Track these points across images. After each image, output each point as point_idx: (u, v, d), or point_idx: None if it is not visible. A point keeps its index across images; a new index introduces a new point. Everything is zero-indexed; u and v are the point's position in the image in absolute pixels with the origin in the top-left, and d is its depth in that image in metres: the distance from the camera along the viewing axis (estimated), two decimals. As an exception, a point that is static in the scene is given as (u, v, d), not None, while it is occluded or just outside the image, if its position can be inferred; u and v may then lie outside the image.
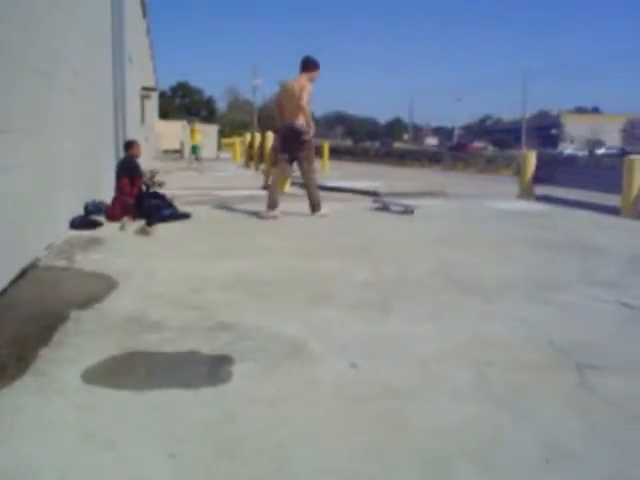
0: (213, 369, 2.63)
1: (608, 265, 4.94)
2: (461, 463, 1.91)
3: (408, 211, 8.16)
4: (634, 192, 8.71)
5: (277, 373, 2.59)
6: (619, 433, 2.14)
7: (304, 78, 7.69)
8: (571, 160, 32.58)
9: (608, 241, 6.15)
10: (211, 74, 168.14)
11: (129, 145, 7.91)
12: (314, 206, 7.77)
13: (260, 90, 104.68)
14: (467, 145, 63.31)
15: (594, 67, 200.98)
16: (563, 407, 2.33)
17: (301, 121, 7.63)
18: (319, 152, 21.07)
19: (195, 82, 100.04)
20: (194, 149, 24.90)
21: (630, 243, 6.15)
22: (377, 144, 65.78)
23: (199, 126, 26.32)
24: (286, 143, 7.86)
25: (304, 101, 7.50)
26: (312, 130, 7.67)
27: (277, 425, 2.13)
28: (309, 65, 7.80)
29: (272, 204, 7.62)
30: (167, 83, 76.86)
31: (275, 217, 7.51)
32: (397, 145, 66.86)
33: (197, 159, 24.24)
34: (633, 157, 9.36)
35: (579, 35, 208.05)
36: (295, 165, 8.04)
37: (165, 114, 52.87)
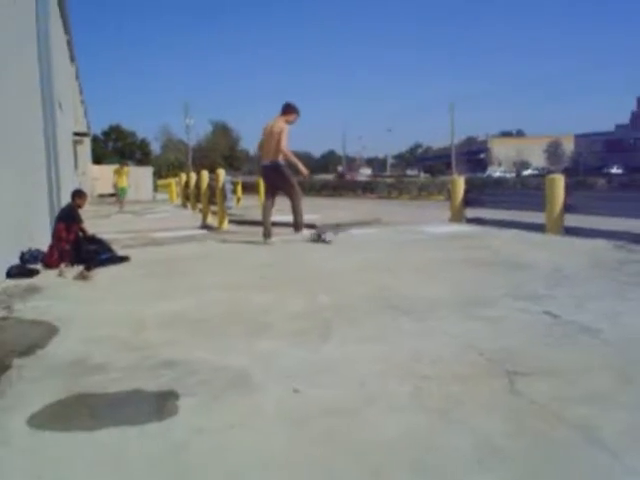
0: (159, 405, 2.69)
1: (533, 279, 5.20)
2: (399, 471, 2.04)
3: (327, 239, 8.57)
4: (557, 209, 9.14)
5: (222, 403, 2.68)
6: (545, 432, 2.31)
7: (282, 120, 8.56)
8: (500, 182, 33.74)
9: (533, 257, 6.47)
10: (144, 116, 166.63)
11: (76, 194, 7.87)
12: (296, 226, 8.68)
13: (194, 129, 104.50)
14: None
15: (517, 91, 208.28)
16: (493, 412, 2.50)
17: (280, 158, 8.52)
18: (255, 189, 21.28)
19: (128, 125, 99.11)
20: (121, 192, 23.76)
21: (552, 258, 6.46)
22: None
23: (126, 168, 25.42)
24: (268, 180, 8.89)
25: (283, 143, 8.37)
26: (303, 167, 8.88)
27: (225, 452, 2.22)
28: (287, 109, 8.70)
29: (267, 233, 8.65)
30: (99, 127, 76.25)
31: (272, 244, 8.51)
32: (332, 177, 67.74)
33: (120, 202, 23.02)
34: (553, 176, 9.84)
35: (501, 61, 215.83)
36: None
37: (99, 158, 52.26)
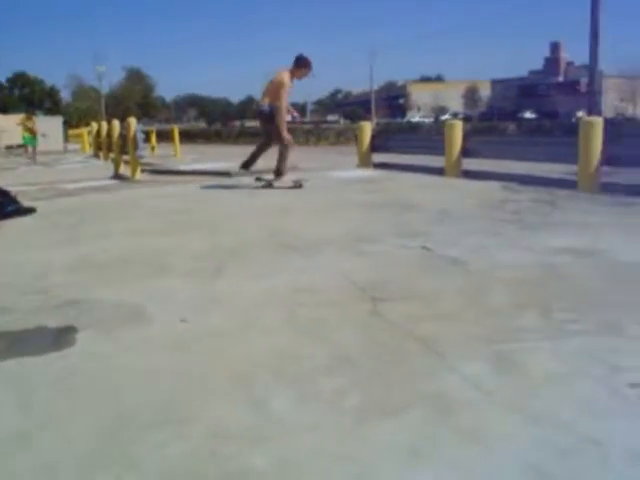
0: (60, 338, 2.97)
1: (419, 219, 5.68)
2: (262, 375, 2.43)
3: (297, 185, 8.47)
4: (455, 153, 9.67)
5: (115, 334, 2.97)
6: (394, 344, 2.73)
7: (287, 74, 8.59)
8: (416, 128, 34.42)
9: (425, 199, 6.96)
10: (52, 63, 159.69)
11: None
12: (275, 172, 8.72)
13: (106, 76, 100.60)
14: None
15: (437, 38, 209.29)
16: (354, 330, 2.90)
17: (266, 103, 8.61)
18: (170, 137, 21.07)
19: (35, 72, 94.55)
20: (29, 141, 23.03)
21: (443, 199, 6.98)
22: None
23: (33, 118, 24.35)
24: (261, 123, 9.20)
25: (282, 101, 8.50)
26: (295, 113, 9.62)
27: (111, 372, 2.54)
28: (299, 62, 8.73)
29: (244, 163, 9.21)
30: (2, 74, 72.52)
31: (238, 178, 9.39)
32: (252, 124, 67.10)
33: (29, 153, 22.38)
34: (452, 121, 10.35)
35: (422, 6, 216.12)
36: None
37: (4, 108, 50.00)
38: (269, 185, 8.66)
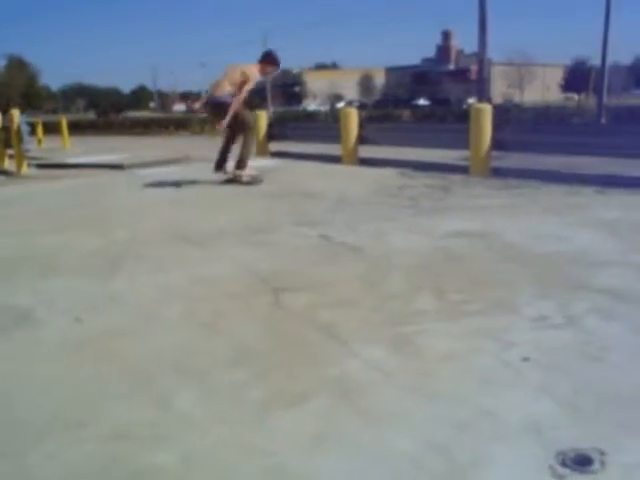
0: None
1: (318, 207, 5.72)
2: (163, 372, 2.38)
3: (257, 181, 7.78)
4: (351, 141, 9.79)
5: (4, 338, 2.84)
6: (295, 334, 2.75)
7: (256, 69, 7.90)
8: (312, 115, 34.55)
9: (322, 187, 7.01)
10: None
11: None
12: (238, 163, 7.83)
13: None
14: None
15: (331, 25, 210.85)
16: (254, 322, 2.89)
17: (225, 93, 7.64)
18: (58, 129, 20.22)
19: None
20: None
21: (340, 187, 7.05)
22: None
23: None
24: (211, 113, 8.50)
25: (243, 95, 7.70)
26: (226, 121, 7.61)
27: (1, 379, 2.42)
28: (266, 58, 8.04)
29: (216, 164, 8.09)
30: None
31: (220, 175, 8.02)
32: (144, 114, 65.31)
33: None
34: (347, 109, 10.48)
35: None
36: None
37: None
38: (233, 180, 7.80)
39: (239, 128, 7.93)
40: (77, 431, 1.98)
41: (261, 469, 1.75)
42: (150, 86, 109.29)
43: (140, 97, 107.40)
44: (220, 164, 8.04)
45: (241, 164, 7.83)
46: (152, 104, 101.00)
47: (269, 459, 1.79)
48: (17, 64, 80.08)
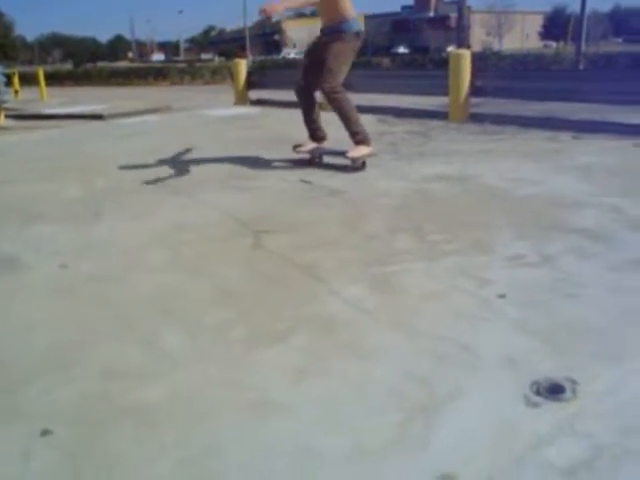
0: None
1: (297, 154, 5.70)
2: (148, 314, 2.42)
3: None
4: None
5: (-11, 284, 2.86)
6: (277, 274, 2.79)
7: None
8: (292, 64, 34.11)
9: (302, 134, 6.97)
10: None
11: None
12: (356, 139, 5.10)
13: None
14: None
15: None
16: (235, 264, 2.93)
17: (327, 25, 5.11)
18: (35, 80, 19.81)
19: None
20: None
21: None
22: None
23: None
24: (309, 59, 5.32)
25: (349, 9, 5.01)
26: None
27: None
28: None
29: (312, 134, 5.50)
30: None
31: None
32: (122, 64, 64.06)
33: None
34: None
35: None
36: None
37: None
38: (355, 168, 5.06)
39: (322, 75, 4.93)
40: (66, 371, 2.02)
41: (246, 402, 1.81)
42: (128, 36, 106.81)
43: (118, 47, 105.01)
44: (315, 136, 5.48)
45: (359, 140, 5.08)
46: (130, 54, 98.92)
47: (253, 393, 1.85)
48: (-11, 15, 77.87)
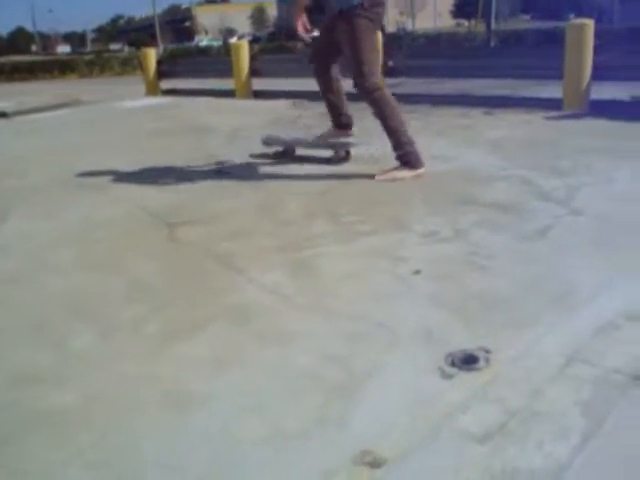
0: None
1: (212, 141, 5.66)
2: (59, 316, 2.34)
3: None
4: (243, 74, 9.61)
5: None
6: (192, 266, 2.75)
7: None
8: (205, 51, 33.61)
9: (216, 121, 6.91)
10: None
11: None
12: (398, 153, 4.04)
13: None
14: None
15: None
16: (150, 258, 2.87)
17: None
18: None
19: None
20: None
21: (235, 121, 6.97)
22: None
23: None
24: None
25: None
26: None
27: None
28: None
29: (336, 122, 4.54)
30: None
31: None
32: (25, 58, 61.54)
33: None
34: (239, 42, 10.25)
35: None
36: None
37: None
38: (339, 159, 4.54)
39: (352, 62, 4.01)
40: (-27, 379, 1.94)
41: (163, 395, 1.77)
42: (29, 27, 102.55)
43: (19, 40, 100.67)
44: (339, 124, 4.54)
45: (403, 156, 4.01)
46: (34, 47, 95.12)
47: (171, 385, 1.82)
48: None
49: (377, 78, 3.98)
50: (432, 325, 2.04)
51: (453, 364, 1.81)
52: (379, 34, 4.15)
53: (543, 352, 1.84)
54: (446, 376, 1.76)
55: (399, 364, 1.84)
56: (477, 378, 1.73)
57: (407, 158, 3.96)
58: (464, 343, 1.91)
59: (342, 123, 4.46)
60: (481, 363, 1.81)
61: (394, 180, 3.89)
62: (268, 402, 1.71)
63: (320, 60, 4.33)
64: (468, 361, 1.83)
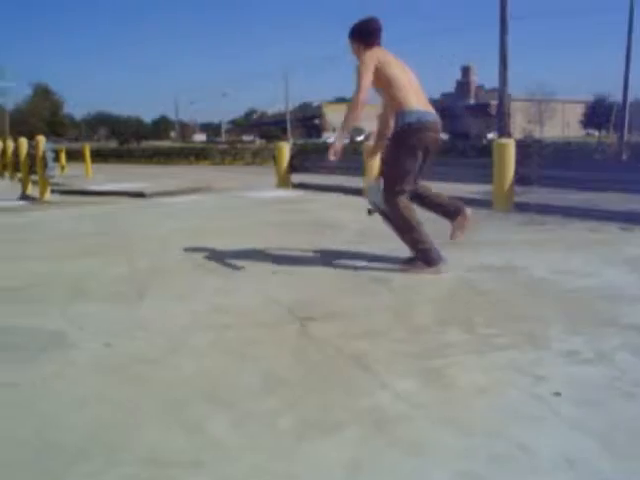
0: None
1: (340, 237, 5.75)
2: (194, 399, 2.38)
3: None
4: (373, 174, 9.82)
5: (38, 360, 2.86)
6: (323, 362, 2.75)
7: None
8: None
9: (344, 218, 7.05)
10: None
11: None
12: (416, 253, 4.48)
13: (11, 92, 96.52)
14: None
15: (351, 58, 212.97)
16: (283, 351, 2.90)
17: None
18: (81, 156, 20.48)
19: None
20: None
21: (360, 218, 7.06)
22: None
23: None
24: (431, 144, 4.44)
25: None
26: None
27: (39, 400, 2.44)
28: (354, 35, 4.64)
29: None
30: None
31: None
32: (165, 143, 65.90)
33: None
34: (366, 143, 10.54)
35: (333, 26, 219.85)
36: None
37: None
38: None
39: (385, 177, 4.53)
40: (113, 454, 1.99)
41: (296, 496, 1.75)
42: (172, 116, 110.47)
43: (161, 127, 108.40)
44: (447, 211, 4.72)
45: (422, 257, 4.44)
46: (173, 134, 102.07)
47: (304, 486, 1.79)
48: (43, 93, 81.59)
49: (395, 192, 4.40)
50: (576, 453, 1.92)
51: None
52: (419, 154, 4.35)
53: None
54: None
55: (543, 492, 1.73)
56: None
57: (419, 255, 4.43)
58: (611, 477, 1.78)
59: (450, 212, 4.67)
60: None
61: (412, 272, 4.37)
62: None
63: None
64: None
